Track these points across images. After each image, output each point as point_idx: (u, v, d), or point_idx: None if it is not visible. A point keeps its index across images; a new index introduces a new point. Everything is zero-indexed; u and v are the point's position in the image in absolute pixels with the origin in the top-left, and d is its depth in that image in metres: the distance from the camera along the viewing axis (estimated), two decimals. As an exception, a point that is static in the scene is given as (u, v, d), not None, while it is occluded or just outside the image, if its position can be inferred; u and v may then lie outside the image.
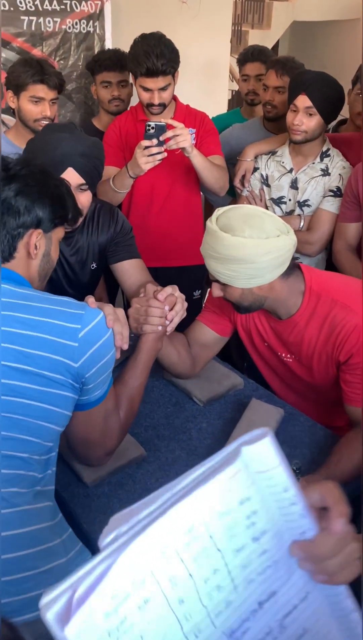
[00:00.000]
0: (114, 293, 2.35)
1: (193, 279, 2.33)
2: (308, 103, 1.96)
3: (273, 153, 2.18)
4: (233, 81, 3.83)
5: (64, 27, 2.56)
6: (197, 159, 1.96)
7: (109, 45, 2.72)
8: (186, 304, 1.33)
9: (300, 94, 1.96)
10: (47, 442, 1.02)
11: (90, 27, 2.66)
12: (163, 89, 2.01)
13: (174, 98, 2.16)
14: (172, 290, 1.33)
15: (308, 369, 1.47)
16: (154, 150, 1.81)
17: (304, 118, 1.98)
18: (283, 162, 2.14)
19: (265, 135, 2.38)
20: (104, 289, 2.35)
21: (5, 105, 2.20)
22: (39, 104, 1.94)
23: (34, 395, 0.97)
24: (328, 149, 2.11)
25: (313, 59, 2.55)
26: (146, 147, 1.81)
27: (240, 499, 0.50)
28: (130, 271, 1.69)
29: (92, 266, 1.71)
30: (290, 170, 2.13)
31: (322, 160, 2.10)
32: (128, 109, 2.35)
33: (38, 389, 0.97)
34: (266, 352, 1.56)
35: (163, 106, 2.06)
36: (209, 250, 1.29)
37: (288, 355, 1.49)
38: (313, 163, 2.10)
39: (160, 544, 0.46)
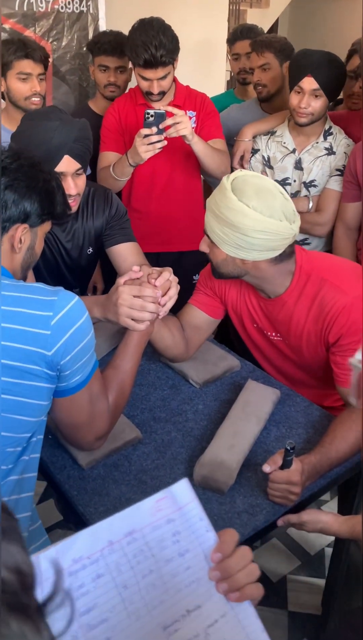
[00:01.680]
0: (113, 279, 2.32)
1: (194, 263, 2.29)
2: (315, 85, 1.92)
3: (272, 133, 2.14)
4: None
5: (56, 6, 2.52)
6: (198, 146, 1.93)
7: (103, 25, 2.68)
8: (178, 287, 1.31)
9: (306, 76, 1.92)
10: (21, 434, 1.00)
11: (83, 6, 2.61)
12: (162, 77, 1.96)
13: (174, 79, 2.12)
14: (168, 275, 1.29)
15: (297, 349, 1.46)
16: (154, 138, 1.78)
17: (311, 100, 1.94)
18: (284, 143, 2.11)
19: (262, 116, 2.35)
20: (100, 275, 2.34)
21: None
22: (27, 81, 1.91)
23: (5, 388, 0.96)
24: (330, 127, 2.07)
25: (313, 37, 2.51)
26: (146, 136, 1.78)
27: (167, 518, 0.66)
28: (125, 254, 1.69)
29: (89, 251, 1.70)
30: (293, 151, 2.09)
31: (325, 139, 2.06)
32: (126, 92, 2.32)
33: (10, 382, 0.96)
34: (255, 334, 1.55)
35: (162, 94, 2.03)
36: (212, 204, 1.28)
37: (277, 335, 1.49)
38: (317, 142, 2.06)
39: (109, 534, 0.63)
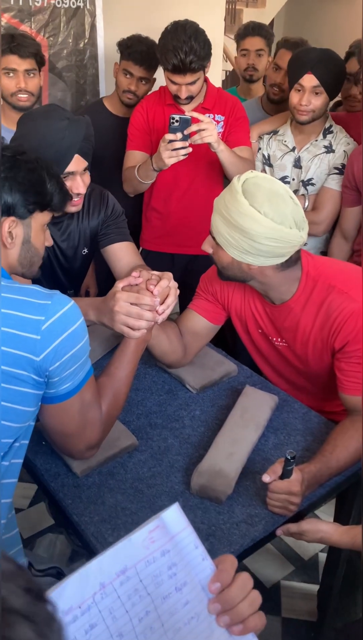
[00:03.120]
0: (106, 283, 2.28)
1: (207, 266, 2.27)
2: (315, 82, 1.90)
3: (274, 132, 2.13)
4: (226, 61, 3.75)
5: (53, 1, 2.48)
6: (224, 155, 1.89)
7: (100, 21, 2.64)
8: (178, 293, 1.27)
9: (306, 73, 1.90)
10: (3, 440, 0.96)
11: (80, 2, 2.57)
12: (191, 83, 1.92)
13: (206, 80, 2.06)
14: (167, 282, 1.23)
15: (303, 355, 1.44)
16: (179, 144, 1.74)
17: (311, 98, 1.93)
18: (285, 141, 2.10)
19: (263, 117, 2.33)
20: (93, 279, 2.31)
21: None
22: (13, 77, 1.86)
23: None
24: (330, 126, 2.06)
25: (309, 38, 2.48)
26: (171, 141, 1.74)
27: (161, 550, 0.61)
28: (120, 254, 1.64)
29: (84, 251, 1.67)
30: (293, 149, 2.09)
31: (324, 137, 2.05)
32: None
33: None
34: (260, 340, 1.53)
35: (191, 99, 1.98)
36: (221, 206, 1.25)
37: (282, 341, 1.46)
38: (316, 140, 2.05)
39: (100, 576, 0.57)
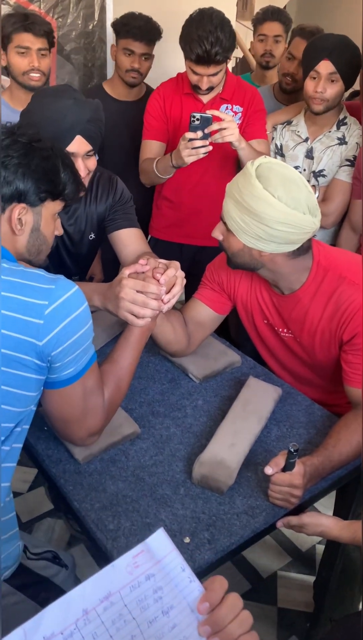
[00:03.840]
0: (112, 270, 2.27)
1: (214, 257, 2.26)
2: (332, 69, 1.87)
3: (288, 122, 2.11)
4: (237, 48, 3.69)
5: (63, -18, 2.44)
6: (244, 152, 1.85)
7: (110, 3, 2.60)
8: (184, 282, 1.25)
9: (322, 60, 1.87)
10: (5, 424, 0.96)
11: (90, -18, 2.53)
12: (213, 74, 1.88)
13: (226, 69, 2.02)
14: (174, 271, 1.20)
15: (309, 347, 1.43)
16: (199, 143, 1.71)
17: (327, 85, 1.89)
18: (298, 132, 2.08)
19: (275, 106, 2.30)
20: (99, 266, 2.30)
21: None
22: (26, 55, 1.84)
23: None
24: (345, 117, 2.04)
25: (322, 24, 2.42)
26: (191, 140, 1.71)
27: (146, 574, 0.61)
28: (127, 240, 1.64)
29: (91, 236, 1.66)
30: (306, 140, 2.07)
31: (338, 128, 2.03)
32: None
33: None
34: (265, 330, 1.52)
35: (210, 89, 1.94)
36: (234, 190, 1.23)
37: (289, 332, 1.45)
38: (330, 132, 2.03)
39: (82, 602, 0.57)
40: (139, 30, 2.12)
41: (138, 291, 1.18)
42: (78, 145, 1.38)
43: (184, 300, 2.54)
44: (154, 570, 0.61)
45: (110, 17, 2.63)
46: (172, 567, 0.62)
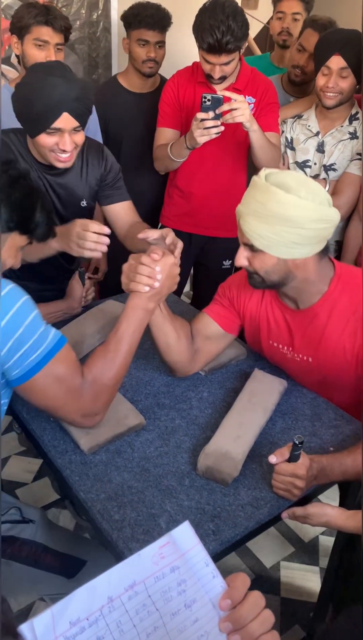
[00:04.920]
0: (117, 261, 2.26)
1: (224, 248, 2.27)
2: (343, 64, 1.86)
3: (299, 116, 2.10)
4: None
5: (67, -30, 2.42)
6: (255, 135, 1.86)
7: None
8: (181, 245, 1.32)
9: (334, 55, 1.86)
10: None
11: (95, -29, 2.51)
12: (226, 63, 1.88)
13: (240, 58, 2.02)
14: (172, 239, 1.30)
15: (325, 367, 1.36)
16: (210, 123, 1.74)
17: (338, 80, 1.89)
18: (309, 126, 2.07)
19: (283, 97, 2.27)
20: (104, 256, 2.29)
21: (4, 54, 2.09)
22: (43, 48, 1.84)
23: None
24: (357, 112, 2.03)
25: (336, 13, 2.37)
26: (202, 120, 1.74)
27: (171, 566, 0.62)
28: (120, 214, 1.75)
29: (83, 203, 1.71)
30: (317, 134, 2.06)
31: (350, 123, 2.02)
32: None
33: None
34: (270, 351, 1.47)
35: (223, 78, 1.94)
36: (254, 206, 1.19)
37: (298, 354, 1.40)
38: (342, 126, 2.03)
39: (108, 589, 0.58)
40: (152, 18, 2.11)
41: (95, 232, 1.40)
42: (65, 122, 1.42)
43: (192, 290, 2.52)
44: (179, 563, 0.62)
45: (115, 7, 2.62)
46: (196, 561, 0.62)
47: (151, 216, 2.28)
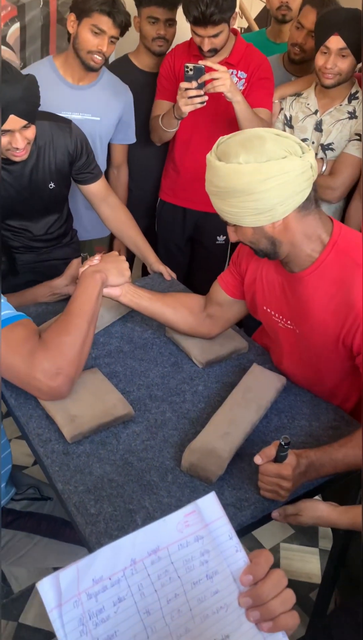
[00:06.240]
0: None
1: (218, 224, 2.24)
2: (342, 44, 1.82)
3: (298, 95, 2.06)
4: (242, 18, 3.52)
5: None
6: (239, 106, 1.85)
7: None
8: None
9: (333, 35, 1.81)
10: None
11: None
12: (214, 35, 1.88)
13: (235, 32, 2.04)
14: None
15: (310, 341, 1.28)
16: (193, 93, 1.78)
17: (337, 60, 1.85)
18: (308, 104, 2.03)
19: (284, 76, 2.22)
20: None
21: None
22: (98, 36, 1.84)
23: None
24: (357, 92, 1.97)
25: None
26: (187, 89, 1.77)
27: (195, 535, 0.60)
28: (96, 192, 1.85)
29: (50, 186, 1.74)
30: (315, 112, 2.01)
31: (349, 102, 1.97)
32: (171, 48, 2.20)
33: None
34: (265, 317, 1.41)
35: (214, 51, 1.94)
36: (209, 185, 1.14)
37: (287, 321, 1.33)
38: (340, 105, 1.98)
39: (132, 551, 0.58)
40: None
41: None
42: (13, 123, 1.45)
43: (189, 263, 2.54)
44: (203, 533, 0.61)
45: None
46: (220, 533, 0.61)
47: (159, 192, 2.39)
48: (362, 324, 1.16)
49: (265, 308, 1.38)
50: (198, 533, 0.60)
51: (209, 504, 0.62)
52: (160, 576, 0.58)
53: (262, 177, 1.06)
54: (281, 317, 1.34)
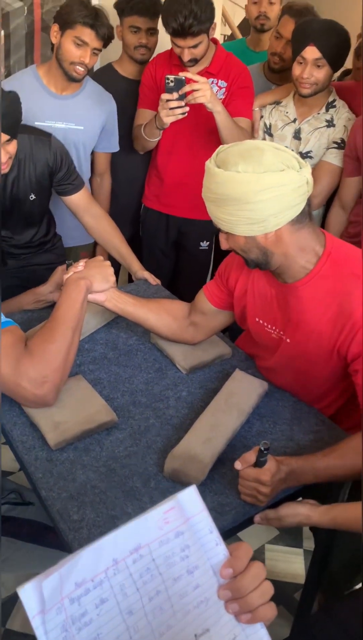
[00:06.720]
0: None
1: (201, 230, 2.34)
2: (317, 54, 1.85)
3: (277, 103, 2.10)
4: (225, 25, 3.57)
5: None
6: (220, 116, 1.88)
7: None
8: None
9: (308, 45, 1.85)
10: None
11: None
12: (194, 46, 1.91)
13: (215, 41, 2.07)
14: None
15: (304, 352, 1.29)
16: (174, 104, 1.80)
17: (313, 70, 1.88)
18: (287, 113, 2.06)
19: (265, 84, 2.27)
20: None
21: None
22: (81, 48, 1.87)
23: None
24: (334, 100, 2.02)
25: (320, 3, 2.30)
26: (168, 101, 1.80)
27: (175, 531, 0.60)
28: (77, 203, 1.87)
29: (31, 197, 1.76)
30: (294, 120, 2.05)
31: (327, 110, 2.01)
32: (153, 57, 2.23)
33: None
34: (255, 328, 1.40)
35: (194, 61, 1.97)
36: (206, 191, 1.17)
37: (280, 332, 1.33)
38: (318, 113, 2.01)
39: (113, 551, 0.58)
40: (143, 4, 2.11)
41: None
42: None
43: (173, 269, 2.58)
44: (183, 528, 0.61)
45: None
46: (200, 527, 0.61)
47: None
48: (360, 331, 1.17)
49: (256, 319, 1.38)
50: (179, 529, 0.61)
51: (190, 498, 0.61)
52: (142, 574, 0.59)
53: (259, 188, 1.08)
54: (274, 327, 1.35)
